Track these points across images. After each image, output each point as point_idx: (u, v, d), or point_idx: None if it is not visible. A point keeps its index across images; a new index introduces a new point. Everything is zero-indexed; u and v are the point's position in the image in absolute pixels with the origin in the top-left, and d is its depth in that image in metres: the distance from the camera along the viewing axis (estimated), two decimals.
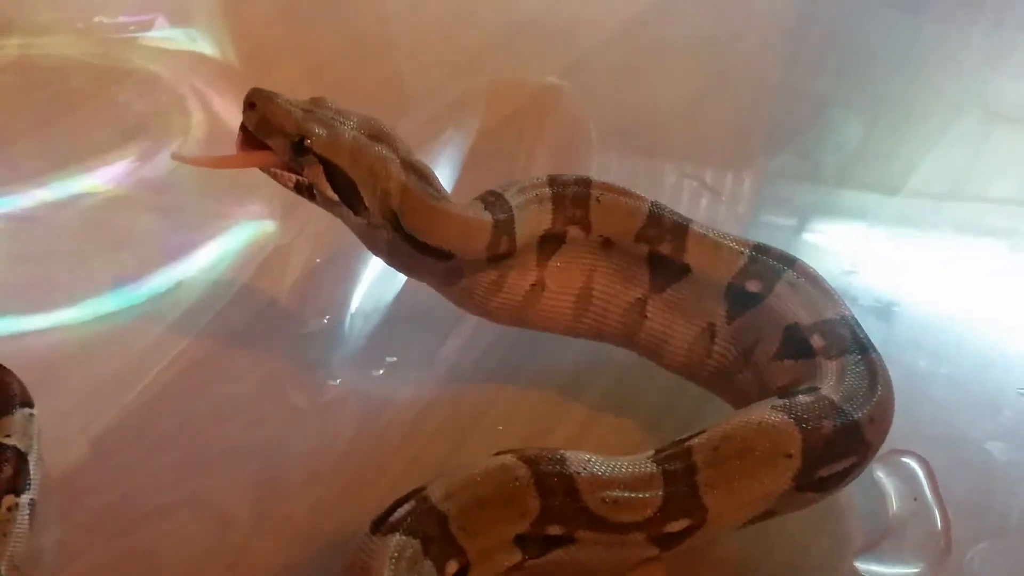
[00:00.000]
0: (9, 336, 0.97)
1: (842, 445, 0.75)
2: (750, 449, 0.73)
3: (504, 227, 0.84)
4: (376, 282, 1.02)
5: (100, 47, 1.38)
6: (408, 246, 0.85)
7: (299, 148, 0.83)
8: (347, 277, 1.04)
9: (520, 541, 0.71)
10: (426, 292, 0.92)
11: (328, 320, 1.01)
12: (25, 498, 0.78)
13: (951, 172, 1.22)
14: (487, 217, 0.84)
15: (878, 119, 1.31)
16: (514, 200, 0.86)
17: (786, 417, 0.74)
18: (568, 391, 0.94)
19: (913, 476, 0.85)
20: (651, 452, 0.74)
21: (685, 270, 0.87)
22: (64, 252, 1.09)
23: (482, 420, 0.92)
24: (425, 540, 0.68)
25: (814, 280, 0.86)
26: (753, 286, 0.85)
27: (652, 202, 0.88)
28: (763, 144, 1.29)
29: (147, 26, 1.40)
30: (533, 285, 0.88)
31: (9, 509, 0.76)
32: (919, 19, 1.46)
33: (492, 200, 0.86)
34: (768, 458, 0.73)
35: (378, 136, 0.85)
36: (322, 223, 0.88)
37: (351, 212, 0.85)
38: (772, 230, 1.15)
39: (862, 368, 0.79)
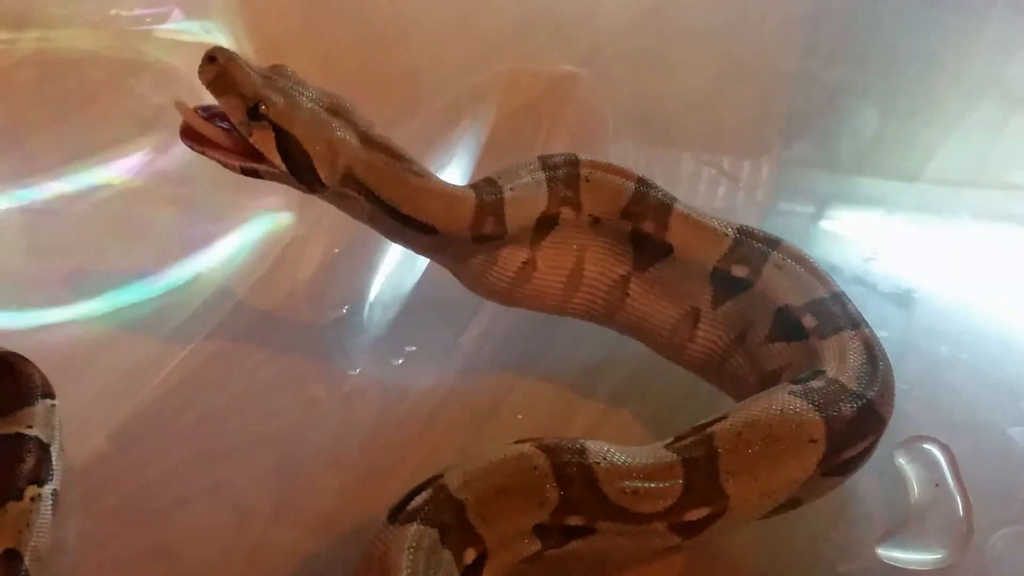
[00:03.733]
0: (30, 328, 0.98)
1: (861, 426, 0.75)
2: (774, 435, 0.72)
3: (490, 208, 0.84)
4: (394, 272, 1.03)
5: (116, 40, 1.38)
6: (388, 217, 0.85)
7: (254, 112, 0.83)
8: (365, 267, 1.04)
9: (539, 531, 0.71)
10: (444, 282, 0.92)
11: (346, 310, 1.01)
12: (48, 488, 0.78)
13: (969, 159, 1.21)
14: (470, 195, 0.84)
15: (895, 106, 1.30)
16: (507, 184, 0.86)
17: (806, 403, 0.74)
18: (587, 380, 0.94)
19: (934, 462, 0.84)
20: (670, 439, 0.74)
21: (668, 250, 0.86)
22: (82, 245, 1.09)
23: (501, 409, 0.92)
24: (442, 529, 0.68)
25: (801, 260, 0.86)
26: (739, 271, 0.85)
27: (639, 178, 0.88)
28: (780, 132, 1.29)
29: (163, 18, 1.40)
30: (524, 263, 0.88)
31: (32, 499, 0.77)
32: (936, 5, 1.46)
33: (483, 185, 0.86)
34: (793, 444, 0.73)
35: (337, 110, 0.85)
36: (339, 214, 0.88)
37: (304, 186, 0.85)
38: (790, 218, 1.15)
39: (858, 344, 0.80)
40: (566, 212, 0.87)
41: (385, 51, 1.39)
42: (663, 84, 1.31)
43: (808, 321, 0.82)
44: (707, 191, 1.17)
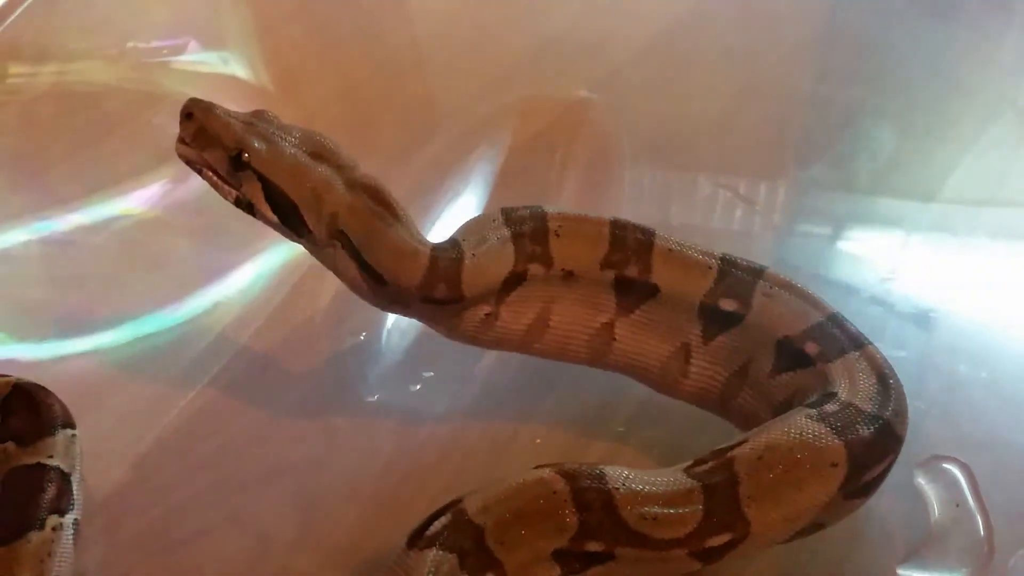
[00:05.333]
0: (50, 359, 0.98)
1: (880, 447, 0.75)
2: (795, 460, 0.72)
3: (444, 273, 0.82)
4: None
5: (134, 72, 1.39)
6: (354, 263, 0.83)
7: (237, 162, 0.82)
8: None
9: (558, 556, 0.71)
10: None
11: (364, 337, 1.01)
12: (69, 518, 0.79)
13: (986, 177, 1.21)
14: (424, 255, 0.82)
15: (911, 126, 1.30)
16: (471, 248, 0.83)
17: (825, 427, 0.74)
18: (605, 404, 0.93)
19: (954, 482, 0.84)
20: (689, 462, 0.74)
21: (654, 291, 0.85)
22: (101, 275, 1.10)
23: (520, 434, 0.92)
24: (461, 554, 0.68)
25: (789, 287, 0.85)
26: (728, 304, 0.84)
27: (612, 221, 0.86)
28: (796, 154, 1.29)
29: (180, 50, 1.41)
30: (488, 315, 0.86)
31: (54, 529, 0.77)
32: (950, 24, 1.46)
33: (446, 246, 0.84)
34: (814, 469, 0.72)
35: (321, 154, 0.83)
36: None
37: (293, 234, 0.84)
38: (807, 239, 1.14)
39: (865, 364, 0.79)
40: (534, 268, 0.85)
41: (401, 79, 1.40)
42: (678, 108, 1.31)
43: (811, 348, 0.81)
44: (724, 214, 1.17)
